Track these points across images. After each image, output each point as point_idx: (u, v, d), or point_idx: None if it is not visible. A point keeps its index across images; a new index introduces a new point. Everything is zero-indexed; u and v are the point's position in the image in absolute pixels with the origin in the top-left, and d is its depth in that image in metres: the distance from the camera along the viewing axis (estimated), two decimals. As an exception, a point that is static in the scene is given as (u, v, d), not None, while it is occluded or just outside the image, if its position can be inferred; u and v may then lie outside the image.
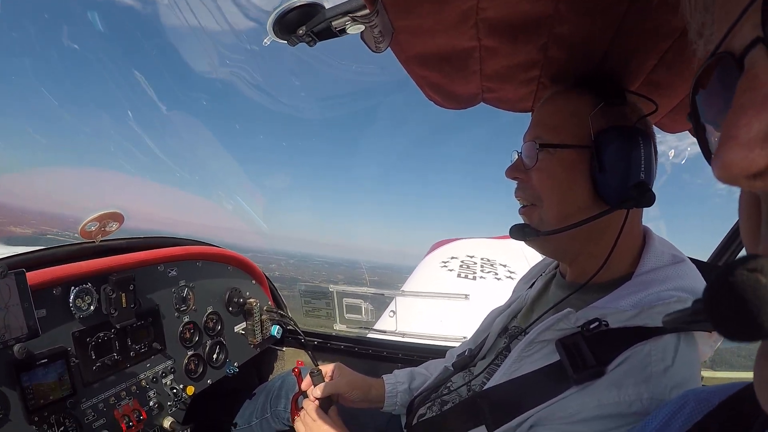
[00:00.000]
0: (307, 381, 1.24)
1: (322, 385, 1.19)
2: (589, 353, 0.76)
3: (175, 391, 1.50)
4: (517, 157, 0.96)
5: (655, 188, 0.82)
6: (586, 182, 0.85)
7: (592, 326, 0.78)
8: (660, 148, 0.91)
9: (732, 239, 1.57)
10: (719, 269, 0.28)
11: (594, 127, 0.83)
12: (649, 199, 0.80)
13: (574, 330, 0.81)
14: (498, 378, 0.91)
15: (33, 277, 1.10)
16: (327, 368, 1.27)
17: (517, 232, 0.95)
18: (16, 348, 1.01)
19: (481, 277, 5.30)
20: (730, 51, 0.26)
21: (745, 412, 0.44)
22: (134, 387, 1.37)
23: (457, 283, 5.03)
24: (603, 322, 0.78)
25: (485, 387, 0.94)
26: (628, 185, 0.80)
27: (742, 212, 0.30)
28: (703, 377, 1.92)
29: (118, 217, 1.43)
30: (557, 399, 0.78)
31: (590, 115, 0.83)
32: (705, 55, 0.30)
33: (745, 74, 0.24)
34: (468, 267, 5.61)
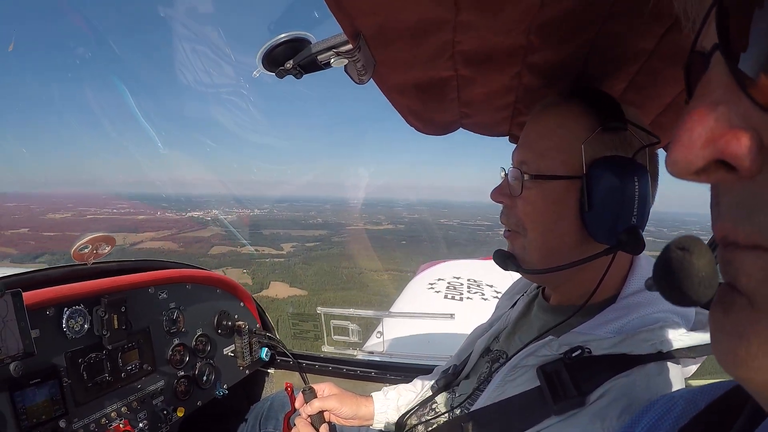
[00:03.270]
0: (299, 399, 1.24)
1: (313, 401, 1.21)
2: (570, 383, 0.73)
3: (165, 412, 1.51)
4: (504, 177, 0.92)
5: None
6: (574, 218, 0.79)
7: (574, 354, 0.74)
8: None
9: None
10: (665, 247, 0.32)
11: (587, 155, 0.75)
12: (637, 248, 0.73)
13: (556, 357, 0.78)
14: (482, 401, 0.89)
15: (27, 297, 1.13)
16: (319, 386, 1.28)
17: (501, 260, 0.92)
18: (12, 366, 1.03)
19: (468, 297, 5.32)
20: (701, 50, 0.28)
21: (732, 413, 0.43)
22: (125, 408, 1.38)
23: (444, 304, 5.04)
24: (585, 350, 0.74)
25: (471, 409, 0.93)
26: (617, 229, 0.73)
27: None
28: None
29: (110, 240, 1.46)
30: (539, 427, 0.76)
31: (584, 141, 0.75)
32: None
33: (702, 79, 0.26)
34: (455, 288, 5.64)
